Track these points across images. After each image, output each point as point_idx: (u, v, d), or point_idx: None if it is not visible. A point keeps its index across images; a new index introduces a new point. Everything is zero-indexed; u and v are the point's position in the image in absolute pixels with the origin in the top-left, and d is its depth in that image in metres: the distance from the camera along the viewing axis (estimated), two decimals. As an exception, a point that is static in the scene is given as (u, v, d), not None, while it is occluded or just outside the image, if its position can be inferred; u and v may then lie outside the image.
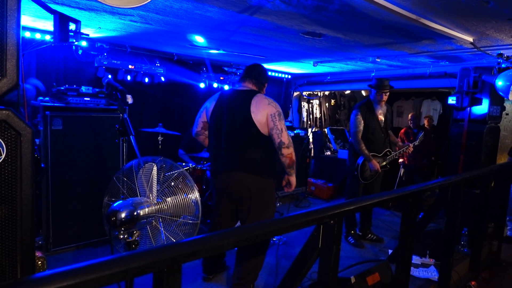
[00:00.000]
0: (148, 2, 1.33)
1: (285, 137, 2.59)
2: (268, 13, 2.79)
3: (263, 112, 2.57)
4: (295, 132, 5.97)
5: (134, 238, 2.51)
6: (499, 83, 3.57)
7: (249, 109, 2.58)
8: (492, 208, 3.71)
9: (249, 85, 2.75)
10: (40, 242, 3.40)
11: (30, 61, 3.94)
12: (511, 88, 3.48)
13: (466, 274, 3.43)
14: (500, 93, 3.63)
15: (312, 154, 7.09)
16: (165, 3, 2.66)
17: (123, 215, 2.48)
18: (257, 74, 2.78)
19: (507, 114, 6.99)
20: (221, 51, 4.65)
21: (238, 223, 2.99)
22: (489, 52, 3.80)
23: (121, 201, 2.63)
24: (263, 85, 2.83)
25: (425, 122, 5.93)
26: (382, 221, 4.92)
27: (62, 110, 3.37)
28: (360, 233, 4.23)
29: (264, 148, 2.63)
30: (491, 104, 3.90)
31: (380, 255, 3.84)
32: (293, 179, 2.74)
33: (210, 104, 2.84)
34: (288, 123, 6.53)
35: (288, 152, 2.60)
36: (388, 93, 3.81)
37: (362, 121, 3.74)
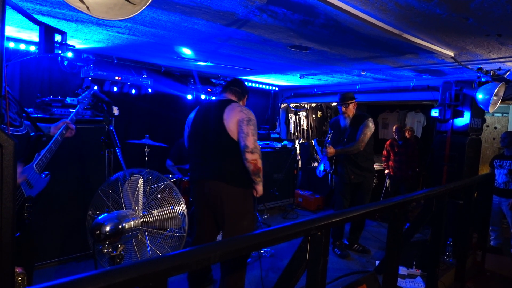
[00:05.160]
0: (136, 15, 1.33)
1: (250, 141, 2.55)
2: (255, 26, 2.83)
3: (233, 119, 2.59)
4: (282, 143, 5.98)
5: (118, 252, 2.46)
6: (480, 96, 3.67)
7: (222, 117, 2.61)
8: (475, 219, 3.78)
9: (228, 95, 2.83)
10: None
11: (14, 72, 3.87)
12: (491, 101, 3.59)
13: (451, 284, 3.47)
14: (481, 106, 3.74)
15: (300, 166, 7.12)
16: (152, 16, 2.67)
17: (107, 228, 2.43)
18: (237, 84, 2.89)
19: (487, 126, 7.19)
20: (208, 63, 4.67)
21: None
22: (469, 66, 3.92)
23: (105, 214, 2.58)
24: (243, 96, 2.90)
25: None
26: (369, 232, 4.95)
27: (46, 121, 3.31)
28: (347, 243, 4.26)
29: (239, 157, 2.59)
30: (472, 117, 4.01)
31: (367, 266, 3.85)
32: (259, 188, 2.69)
33: (192, 115, 2.91)
34: (275, 135, 6.56)
35: (252, 157, 2.55)
36: (348, 105, 4.02)
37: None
